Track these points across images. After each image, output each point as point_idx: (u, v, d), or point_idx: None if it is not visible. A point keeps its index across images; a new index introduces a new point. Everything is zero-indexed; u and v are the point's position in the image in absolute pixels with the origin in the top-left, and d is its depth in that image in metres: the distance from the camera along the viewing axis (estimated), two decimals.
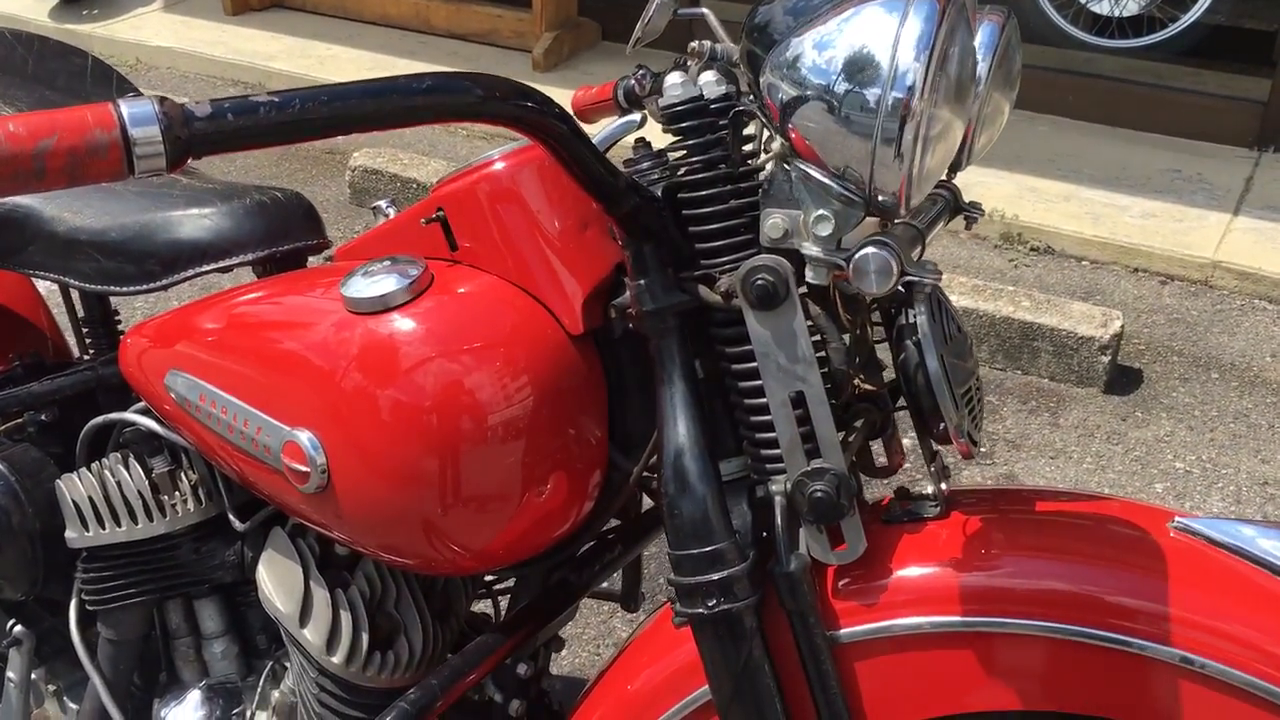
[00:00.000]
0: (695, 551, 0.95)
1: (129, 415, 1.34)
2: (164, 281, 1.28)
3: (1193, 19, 4.35)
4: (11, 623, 1.48)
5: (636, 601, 1.38)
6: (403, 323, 1.03)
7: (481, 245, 1.07)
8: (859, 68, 0.78)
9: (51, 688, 1.53)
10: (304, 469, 1.05)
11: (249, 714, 1.36)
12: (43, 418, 1.46)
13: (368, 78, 0.76)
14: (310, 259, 1.36)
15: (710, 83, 0.98)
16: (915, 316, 0.94)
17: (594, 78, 4.52)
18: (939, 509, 0.99)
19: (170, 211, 1.28)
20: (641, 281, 0.97)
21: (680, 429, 0.97)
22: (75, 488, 1.35)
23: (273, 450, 1.08)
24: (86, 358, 1.57)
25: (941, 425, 0.94)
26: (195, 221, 1.27)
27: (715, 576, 0.95)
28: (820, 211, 0.85)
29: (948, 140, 0.86)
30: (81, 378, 1.45)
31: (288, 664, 1.36)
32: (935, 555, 0.96)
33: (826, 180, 0.84)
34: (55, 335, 1.74)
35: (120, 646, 1.42)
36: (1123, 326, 2.92)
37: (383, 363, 1.03)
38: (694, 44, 1.17)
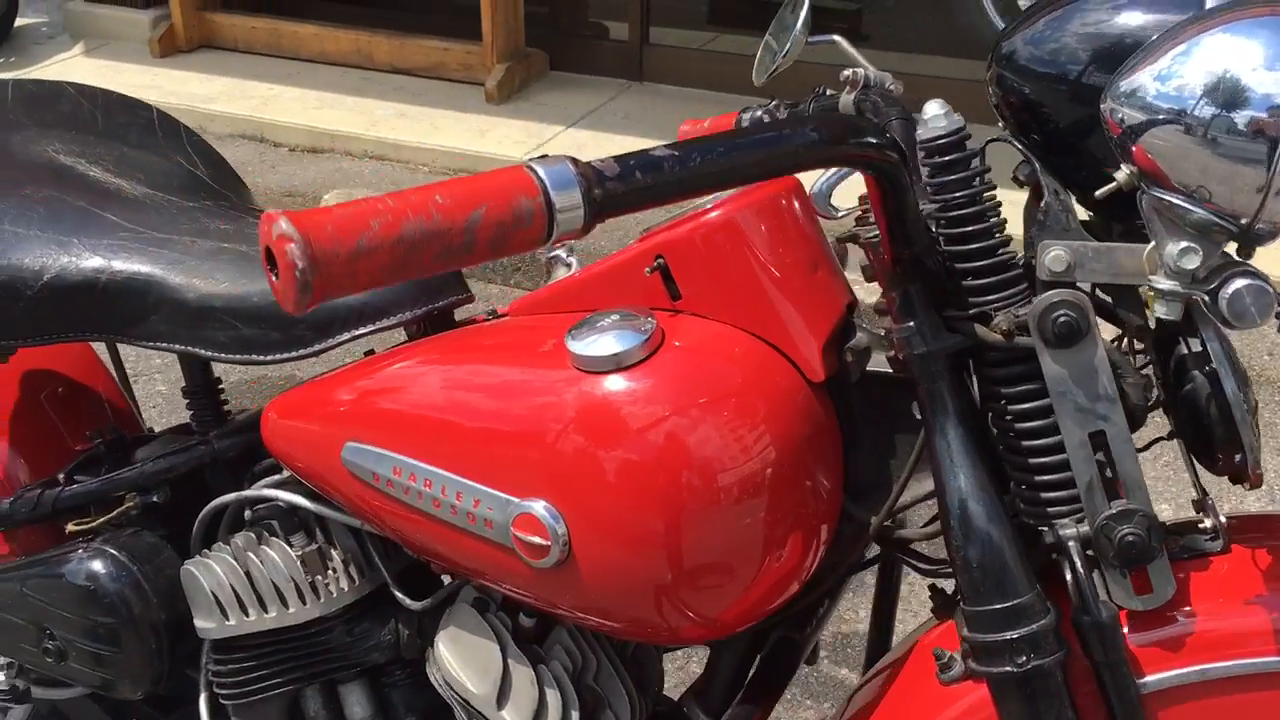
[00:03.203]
0: (998, 607, 0.91)
1: (271, 492, 1.25)
2: (316, 348, 1.19)
3: None
4: None
5: (815, 654, 1.33)
6: (643, 381, 0.97)
7: (709, 293, 1.01)
8: (1248, 92, 0.74)
9: None
10: (542, 542, 0.98)
11: None
12: (154, 499, 1.36)
13: (715, 133, 0.70)
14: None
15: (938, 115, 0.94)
16: (1206, 343, 0.91)
17: (548, 108, 4.47)
18: (1220, 543, 0.96)
19: None
20: (910, 324, 0.93)
21: (962, 476, 0.92)
22: (211, 574, 1.25)
23: (498, 524, 1.01)
24: (181, 433, 1.46)
25: (1238, 456, 0.91)
26: None
27: (1022, 632, 0.90)
28: (1185, 244, 0.81)
29: None
30: (197, 454, 1.35)
31: None
32: (1230, 592, 0.93)
33: (1198, 211, 0.80)
34: (125, 407, 1.62)
35: None
36: None
37: (624, 425, 0.96)
38: (846, 72, 1.13)
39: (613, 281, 1.06)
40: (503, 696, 1.13)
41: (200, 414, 1.40)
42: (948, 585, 1.13)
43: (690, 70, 4.61)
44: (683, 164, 0.64)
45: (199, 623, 1.28)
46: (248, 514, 1.31)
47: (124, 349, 1.68)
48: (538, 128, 4.27)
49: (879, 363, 1.03)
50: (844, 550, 1.08)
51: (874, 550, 1.14)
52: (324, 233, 0.54)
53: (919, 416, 1.02)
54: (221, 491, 1.33)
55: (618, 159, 0.63)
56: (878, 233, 0.92)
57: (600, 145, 4.14)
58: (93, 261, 1.25)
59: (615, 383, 0.97)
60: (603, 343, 0.98)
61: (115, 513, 1.34)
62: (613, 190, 0.62)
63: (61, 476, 1.42)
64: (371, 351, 1.25)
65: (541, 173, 0.59)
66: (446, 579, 1.26)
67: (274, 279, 0.56)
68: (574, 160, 0.61)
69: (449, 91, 4.61)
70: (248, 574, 1.24)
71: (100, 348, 1.65)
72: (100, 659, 1.31)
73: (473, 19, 4.59)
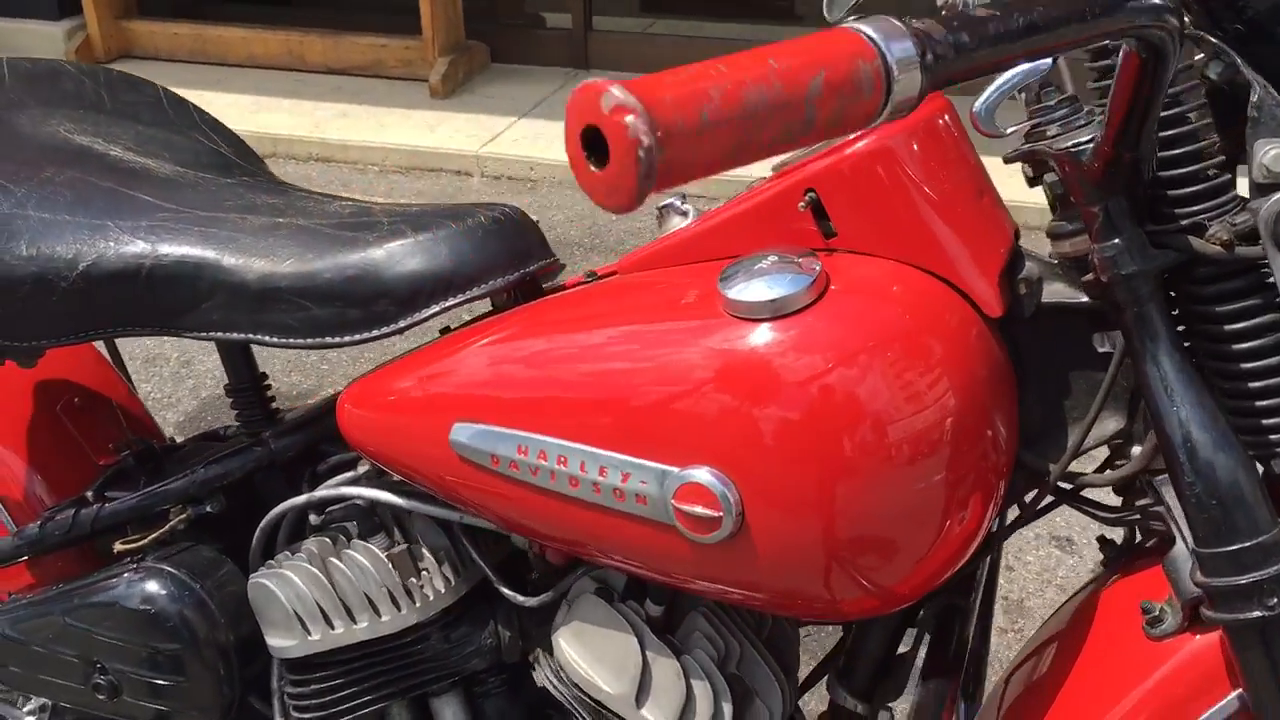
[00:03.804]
0: (1240, 547, 0.82)
1: (354, 490, 1.13)
2: (400, 324, 1.07)
3: None
4: None
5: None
6: (813, 328, 0.87)
7: (868, 227, 0.92)
8: None
9: None
10: (712, 514, 0.87)
11: None
12: (207, 509, 1.22)
13: None
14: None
15: None
16: None
17: (496, 100, 4.34)
18: None
19: (393, 243, 1.07)
20: (1116, 241, 0.84)
21: (1185, 405, 0.84)
22: (288, 585, 1.12)
23: (654, 499, 0.90)
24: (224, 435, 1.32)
25: None
26: (431, 249, 1.06)
27: (1271, 572, 0.82)
28: None
29: None
30: (253, 457, 1.22)
31: None
32: None
33: None
34: (143, 415, 1.48)
35: None
36: None
37: (797, 377, 0.86)
38: None
39: (750, 225, 0.96)
40: (642, 693, 1.02)
41: (247, 413, 1.26)
42: (1115, 535, 1.05)
43: (635, 55, 4.51)
44: (1005, 24, 0.54)
45: (274, 641, 1.15)
46: (313, 519, 1.19)
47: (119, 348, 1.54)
48: (489, 120, 4.13)
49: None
50: (1013, 504, 0.99)
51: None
52: (665, 104, 0.44)
53: (1101, 349, 0.94)
54: (275, 499, 1.20)
55: (939, 19, 0.54)
56: (1071, 141, 0.84)
57: (554, 135, 4.03)
58: (133, 246, 1.12)
59: (782, 330, 0.87)
60: (764, 287, 0.88)
61: (168, 525, 1.20)
62: (944, 55, 0.52)
63: (90, 494, 1.28)
64: (448, 329, 1.13)
65: (872, 32, 0.49)
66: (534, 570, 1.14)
67: (592, 169, 0.46)
68: (901, 19, 0.51)
69: (390, 89, 4.46)
70: (331, 582, 1.12)
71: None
72: (163, 690, 1.17)
73: (409, 14, 4.44)
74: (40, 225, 1.13)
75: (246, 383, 1.26)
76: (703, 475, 0.88)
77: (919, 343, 0.88)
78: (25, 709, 1.31)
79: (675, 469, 0.89)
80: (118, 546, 1.21)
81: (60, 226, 1.13)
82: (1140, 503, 0.95)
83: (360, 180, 3.98)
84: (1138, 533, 1.03)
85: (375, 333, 1.07)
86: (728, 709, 1.02)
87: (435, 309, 1.07)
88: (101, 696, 1.20)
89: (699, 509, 0.88)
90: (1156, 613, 0.90)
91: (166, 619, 1.15)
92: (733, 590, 0.94)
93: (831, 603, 0.93)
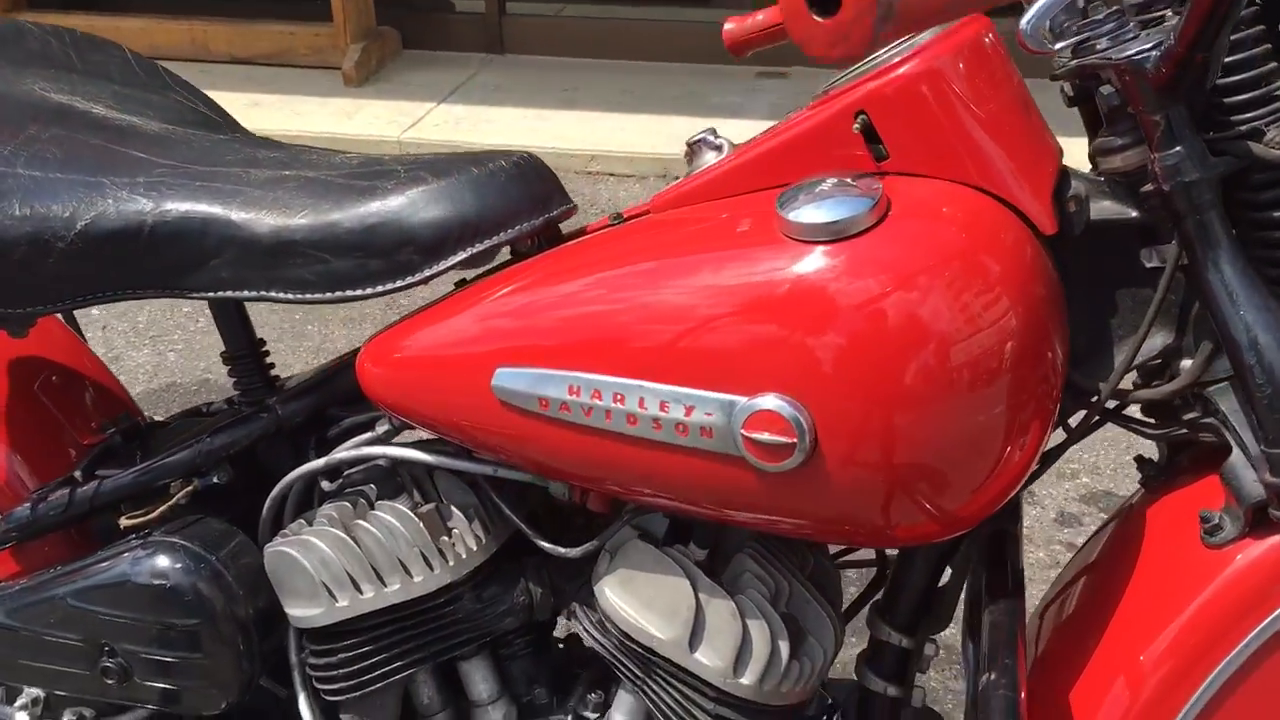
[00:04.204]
0: None
1: (380, 449, 1.09)
2: (426, 273, 1.03)
3: None
4: None
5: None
6: (880, 249, 0.86)
7: (920, 149, 0.91)
8: None
9: None
10: (785, 441, 0.86)
11: None
12: (214, 480, 1.17)
13: None
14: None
15: None
16: None
17: (413, 86, 4.27)
18: None
19: (414, 189, 1.03)
20: (1178, 149, 0.84)
21: (1250, 309, 0.85)
22: (312, 551, 1.08)
23: (720, 430, 0.88)
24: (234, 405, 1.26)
25: None
26: (455, 195, 1.03)
27: None
28: None
29: None
30: (259, 425, 1.17)
31: (589, 714, 1.14)
32: None
33: None
34: (120, 392, 1.42)
35: None
36: None
37: (865, 299, 0.85)
38: None
39: (796, 153, 0.94)
40: (696, 637, 1.01)
41: (247, 380, 1.21)
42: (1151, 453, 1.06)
43: (550, 39, 4.48)
44: None
45: (296, 611, 1.11)
46: (326, 485, 1.15)
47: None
48: (409, 105, 4.06)
49: None
50: (1058, 426, 0.99)
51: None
52: None
53: (1149, 265, 0.94)
54: (280, 469, 1.16)
55: None
56: (1131, 50, 0.84)
57: (477, 119, 3.98)
58: (133, 204, 1.06)
59: (848, 252, 0.86)
60: (827, 209, 0.87)
61: (176, 497, 1.15)
62: None
63: (79, 474, 1.22)
64: (463, 282, 1.10)
65: None
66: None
67: (815, 17, 0.43)
68: None
69: (301, 78, 4.35)
70: (359, 545, 1.08)
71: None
72: (179, 669, 1.12)
73: (317, 0, 4.34)
74: (32, 184, 1.07)
75: (245, 349, 1.21)
76: (773, 402, 0.86)
77: (980, 262, 0.87)
78: (17, 704, 1.24)
79: (743, 398, 0.87)
80: (123, 521, 1.15)
81: (53, 184, 1.07)
82: (1187, 416, 0.96)
83: None
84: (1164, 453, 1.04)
85: (399, 283, 1.04)
86: (784, 647, 1.01)
87: (461, 256, 1.03)
88: (110, 681, 1.14)
89: (771, 436, 0.86)
90: (1216, 520, 0.91)
91: (182, 593, 1.10)
92: (795, 520, 0.92)
93: (893, 528, 0.92)
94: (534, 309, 0.97)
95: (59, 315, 1.39)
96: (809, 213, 0.86)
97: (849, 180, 0.89)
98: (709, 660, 1.00)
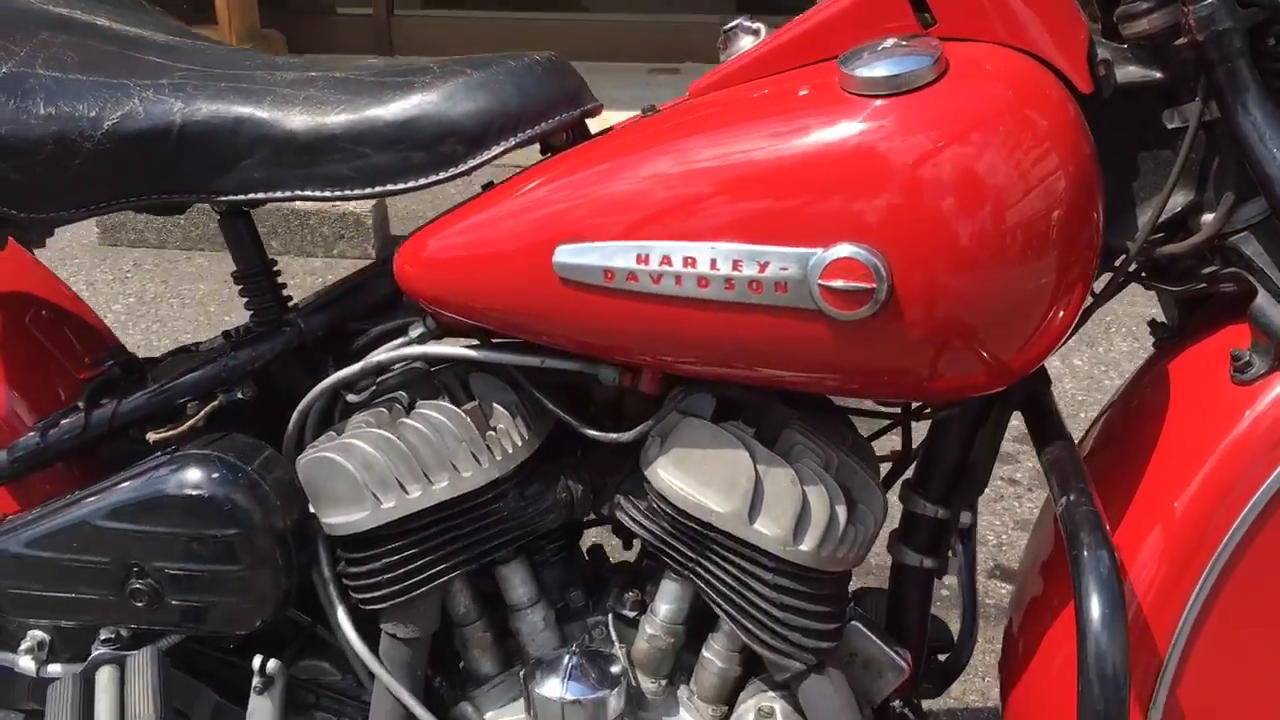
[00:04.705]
0: None
1: (421, 349, 1.08)
2: (469, 163, 1.03)
3: None
4: (260, 660, 1.14)
5: None
6: (945, 100, 0.90)
7: (967, 12, 0.95)
8: None
9: None
10: (864, 286, 0.89)
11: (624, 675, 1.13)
12: (238, 395, 1.15)
13: None
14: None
15: None
16: None
17: None
18: None
19: (451, 82, 1.04)
20: (1210, 0, 0.91)
21: None
22: (356, 455, 1.07)
23: (795, 283, 0.91)
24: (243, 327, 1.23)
25: None
26: (495, 86, 1.03)
27: None
28: None
29: None
30: (283, 339, 1.16)
31: (627, 611, 1.15)
32: None
33: None
34: (104, 328, 1.38)
35: (416, 647, 1.14)
36: None
37: (939, 148, 0.89)
38: None
39: (842, 25, 0.98)
40: (754, 508, 1.03)
41: (259, 300, 1.18)
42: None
43: (440, 39, 4.48)
44: None
45: (337, 519, 1.09)
46: (352, 398, 1.14)
47: None
48: None
49: None
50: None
51: None
52: None
53: (1170, 125, 1.00)
54: (297, 390, 1.15)
55: None
56: None
57: None
58: (160, 104, 1.04)
59: (915, 104, 0.90)
60: (891, 65, 0.90)
61: (203, 411, 1.12)
62: None
63: (82, 404, 1.18)
64: (490, 184, 1.10)
65: None
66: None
67: None
68: None
69: None
70: (405, 444, 1.07)
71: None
72: (215, 585, 1.09)
73: (199, 1, 4.26)
74: (54, 84, 1.04)
75: (258, 267, 1.19)
76: (850, 249, 0.89)
77: (1031, 118, 0.92)
78: (21, 648, 1.19)
79: (818, 249, 0.90)
80: (151, 436, 1.12)
81: (76, 85, 1.04)
82: (1207, 270, 1.02)
83: None
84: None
85: (442, 175, 1.04)
86: (841, 512, 1.03)
87: (504, 146, 1.04)
88: (140, 604, 1.10)
89: (849, 283, 0.89)
90: (1246, 358, 0.98)
91: (220, 503, 1.07)
92: (859, 375, 0.96)
93: (950, 378, 0.96)
94: (595, 183, 0.98)
95: (39, 260, 1.35)
96: (875, 68, 0.90)
97: (905, 42, 0.93)
98: (768, 530, 1.02)
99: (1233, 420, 0.98)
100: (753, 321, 0.94)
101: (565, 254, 0.97)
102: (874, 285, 0.89)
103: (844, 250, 0.89)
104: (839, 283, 0.90)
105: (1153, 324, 1.12)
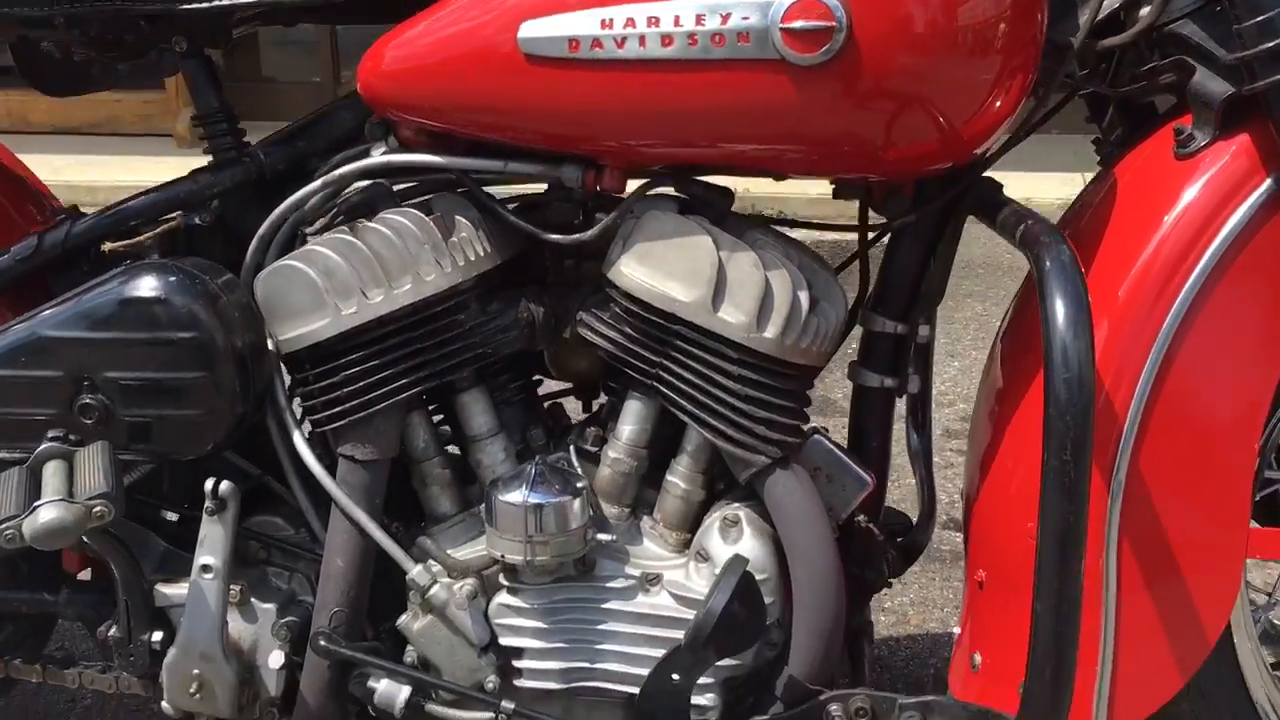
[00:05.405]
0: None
1: (385, 158, 1.09)
2: None
3: None
4: (213, 482, 1.11)
5: None
6: None
7: None
8: None
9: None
10: (824, 24, 0.92)
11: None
12: (196, 220, 1.14)
13: None
14: None
15: None
16: None
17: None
18: None
19: None
20: None
21: None
22: (318, 261, 1.07)
23: (756, 31, 0.93)
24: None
25: None
26: None
27: None
28: None
29: None
30: (243, 169, 1.16)
31: (589, 446, 1.14)
32: None
33: None
34: (51, 195, 1.37)
35: (374, 470, 1.12)
36: None
37: None
38: None
39: None
40: (718, 296, 1.03)
41: (219, 141, 1.19)
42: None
43: None
44: None
45: (297, 330, 1.08)
46: (310, 231, 1.14)
47: None
48: None
49: None
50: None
51: None
52: None
53: None
54: (253, 222, 1.14)
55: None
56: None
57: None
58: None
59: None
60: None
61: (162, 228, 1.11)
62: None
63: (35, 234, 1.17)
64: None
65: None
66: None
67: None
68: None
69: (132, 144, 4.28)
70: (368, 248, 1.07)
71: None
72: (166, 400, 1.07)
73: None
74: None
75: (218, 107, 1.19)
76: None
77: None
78: None
79: None
80: (107, 246, 1.10)
81: None
82: (1145, 68, 1.06)
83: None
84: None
85: None
86: (804, 297, 1.04)
87: None
88: (89, 420, 1.07)
89: (809, 22, 0.92)
90: (1189, 132, 1.01)
91: (177, 308, 1.05)
92: (820, 142, 0.98)
93: (904, 147, 0.98)
94: None
95: None
96: None
97: None
98: (732, 317, 1.03)
99: (1179, 189, 1.01)
100: (716, 80, 0.96)
101: (530, 29, 0.99)
102: (833, 23, 0.92)
103: None
104: (799, 23, 0.92)
105: (1095, 142, 1.15)
